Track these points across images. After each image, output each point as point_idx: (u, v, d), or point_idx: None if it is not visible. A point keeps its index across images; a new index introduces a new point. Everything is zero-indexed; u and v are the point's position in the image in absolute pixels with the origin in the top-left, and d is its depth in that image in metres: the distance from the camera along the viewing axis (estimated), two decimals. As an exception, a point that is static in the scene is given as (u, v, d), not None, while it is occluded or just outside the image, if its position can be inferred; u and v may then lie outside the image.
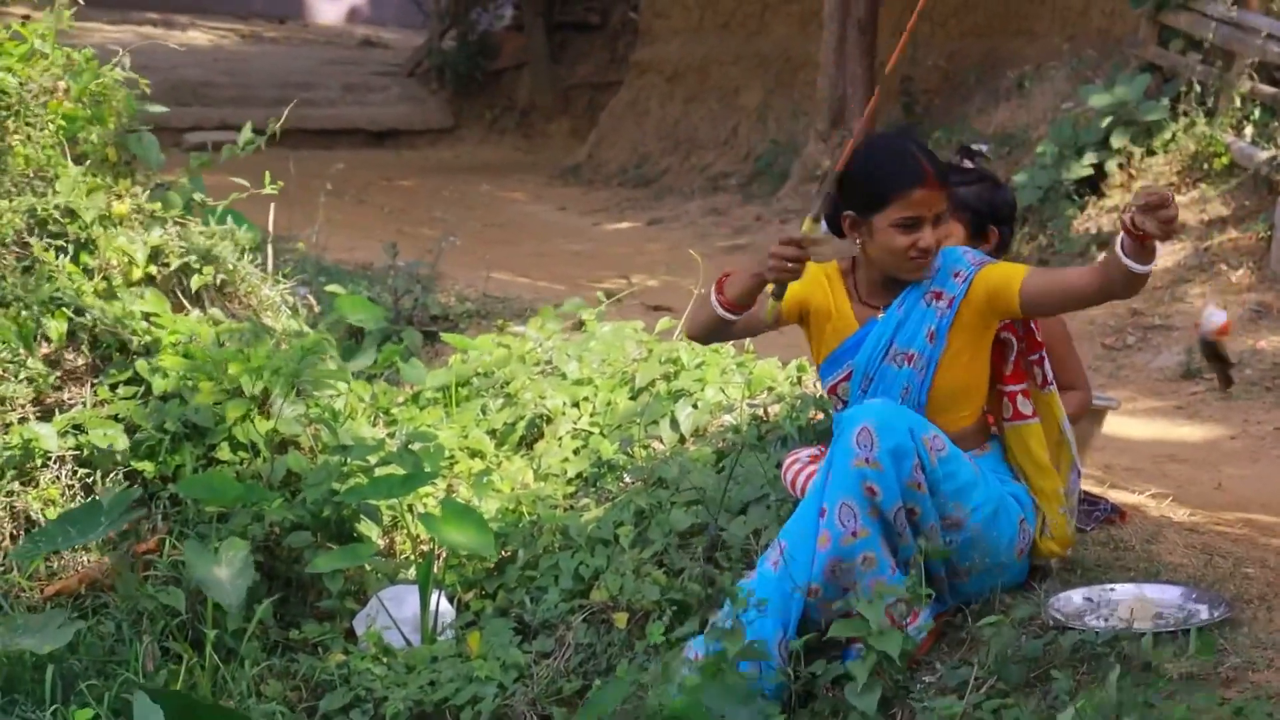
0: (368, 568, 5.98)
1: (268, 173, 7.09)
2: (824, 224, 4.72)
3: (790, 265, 4.42)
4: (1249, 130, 11.05)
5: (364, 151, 20.28)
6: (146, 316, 6.45)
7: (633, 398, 6.71)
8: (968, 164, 5.46)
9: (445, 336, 7.58)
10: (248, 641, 5.52)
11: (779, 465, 5.46)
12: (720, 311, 4.61)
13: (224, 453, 6.14)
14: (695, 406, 6.45)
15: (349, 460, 6.15)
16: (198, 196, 7.10)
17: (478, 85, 22.21)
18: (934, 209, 4.60)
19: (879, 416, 4.48)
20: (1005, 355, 4.81)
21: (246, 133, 7.19)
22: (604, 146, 19.26)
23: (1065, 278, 4.65)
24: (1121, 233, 4.26)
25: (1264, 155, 10.64)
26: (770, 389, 6.44)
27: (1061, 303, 4.64)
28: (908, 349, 4.68)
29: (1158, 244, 4.23)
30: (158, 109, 7.16)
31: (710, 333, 4.79)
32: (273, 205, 7.57)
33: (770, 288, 4.51)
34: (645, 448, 6.36)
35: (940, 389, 4.70)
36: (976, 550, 4.62)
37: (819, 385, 6.30)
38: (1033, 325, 4.81)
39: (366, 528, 6.11)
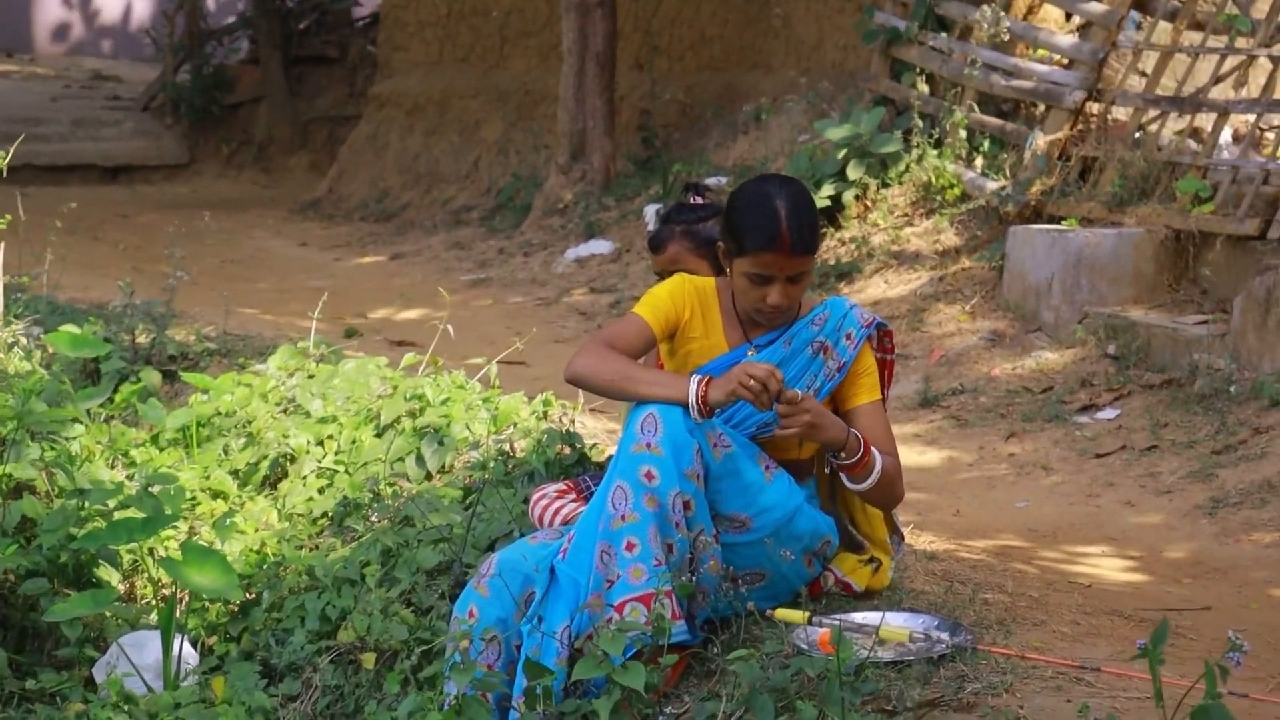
0: (108, 614, 5.84)
1: (-6, 213, 6.92)
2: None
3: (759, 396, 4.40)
4: (979, 161, 11.32)
5: (98, 188, 19.87)
6: None
7: (378, 435, 6.65)
8: (698, 199, 5.50)
9: (185, 376, 7.42)
10: (-19, 694, 5.37)
11: (526, 501, 5.46)
12: (698, 416, 4.46)
13: (-46, 500, 5.97)
14: (441, 443, 6.41)
15: (86, 504, 6.00)
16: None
17: (214, 119, 21.92)
18: (786, 271, 4.59)
19: (666, 405, 4.48)
20: None
21: (-31, 170, 7.01)
22: (344, 180, 19.11)
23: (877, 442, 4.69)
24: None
25: (993, 185, 10.91)
26: (516, 424, 6.44)
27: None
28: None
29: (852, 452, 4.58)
30: None
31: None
32: (1, 244, 7.37)
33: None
34: (391, 485, 6.31)
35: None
36: (765, 557, 4.60)
37: (564, 420, 6.33)
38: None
39: (106, 573, 5.98)
